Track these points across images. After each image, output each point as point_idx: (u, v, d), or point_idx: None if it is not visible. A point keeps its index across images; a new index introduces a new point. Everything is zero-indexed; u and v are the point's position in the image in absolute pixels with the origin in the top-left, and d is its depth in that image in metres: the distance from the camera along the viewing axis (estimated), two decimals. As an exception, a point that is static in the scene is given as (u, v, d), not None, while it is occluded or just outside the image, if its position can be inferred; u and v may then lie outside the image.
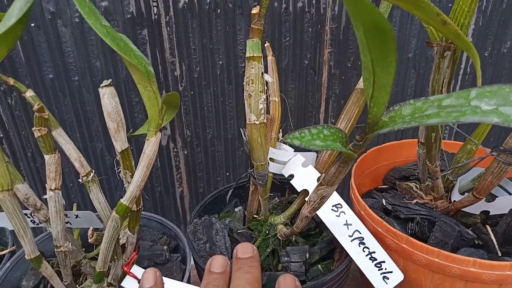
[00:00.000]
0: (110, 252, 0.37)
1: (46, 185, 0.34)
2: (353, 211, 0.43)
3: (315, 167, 0.46)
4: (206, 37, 0.59)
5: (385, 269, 0.40)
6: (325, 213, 0.43)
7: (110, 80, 0.33)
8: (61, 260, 0.38)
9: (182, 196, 0.72)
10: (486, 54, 0.66)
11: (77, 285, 0.44)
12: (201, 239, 0.46)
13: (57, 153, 0.34)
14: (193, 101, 0.64)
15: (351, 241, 0.41)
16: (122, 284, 0.41)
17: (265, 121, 0.40)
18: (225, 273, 0.32)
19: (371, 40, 0.21)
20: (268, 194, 0.47)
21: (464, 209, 0.45)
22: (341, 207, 0.43)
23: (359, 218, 0.43)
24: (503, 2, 0.62)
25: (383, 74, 0.23)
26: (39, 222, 0.39)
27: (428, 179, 0.49)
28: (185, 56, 0.60)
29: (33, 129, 0.32)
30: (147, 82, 0.33)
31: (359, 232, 0.41)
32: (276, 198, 0.53)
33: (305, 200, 0.44)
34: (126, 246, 0.41)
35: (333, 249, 0.46)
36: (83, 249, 0.43)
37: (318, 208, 0.38)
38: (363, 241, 0.41)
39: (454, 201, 0.46)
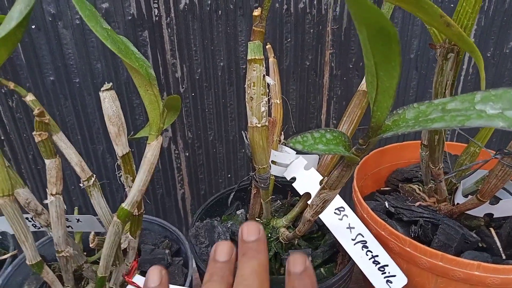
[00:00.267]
0: (111, 257, 0.37)
1: (47, 190, 0.34)
2: (356, 214, 0.43)
3: (317, 170, 0.46)
4: (207, 38, 0.59)
5: (389, 272, 0.40)
6: (327, 217, 0.42)
7: (111, 84, 0.33)
8: (62, 265, 0.38)
9: (184, 198, 0.72)
10: (489, 55, 0.66)
11: (79, 289, 0.44)
12: (203, 243, 0.46)
13: (57, 157, 0.33)
14: (194, 103, 0.63)
15: (354, 244, 0.41)
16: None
17: (267, 123, 0.40)
18: (230, 261, 0.30)
19: (374, 44, 0.21)
20: (270, 197, 0.47)
21: (467, 212, 0.45)
22: (344, 210, 0.42)
23: (361, 221, 0.42)
24: (506, 2, 0.62)
25: (386, 78, 0.23)
26: (40, 226, 0.38)
27: (431, 181, 0.48)
28: (186, 58, 0.60)
29: (33, 133, 0.31)
30: (148, 85, 0.33)
31: (362, 235, 0.41)
32: (278, 200, 0.52)
33: (307, 203, 0.44)
34: (127, 250, 0.41)
35: (336, 252, 0.46)
36: (85, 253, 0.43)
37: (320, 212, 0.38)
38: (366, 244, 0.41)
39: (458, 203, 0.46)
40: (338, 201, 0.43)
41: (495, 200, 0.44)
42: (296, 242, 0.46)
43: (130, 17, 0.55)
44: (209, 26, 0.58)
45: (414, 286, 0.42)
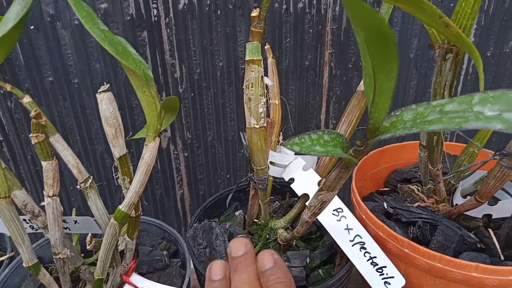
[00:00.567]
0: (108, 259, 0.37)
1: (44, 192, 0.34)
2: (354, 215, 0.43)
3: (315, 171, 0.45)
4: (206, 38, 0.59)
5: (387, 274, 0.39)
6: (325, 218, 0.42)
7: (108, 85, 0.33)
8: (59, 267, 0.38)
9: (183, 198, 0.72)
10: (489, 54, 0.66)
11: (76, 291, 0.44)
12: (201, 244, 0.46)
13: (54, 159, 0.33)
14: (193, 103, 0.63)
15: (352, 246, 0.41)
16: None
17: (265, 125, 0.40)
18: (225, 278, 0.32)
19: (372, 47, 0.21)
20: (269, 198, 0.47)
21: (466, 213, 0.45)
22: (342, 211, 0.42)
23: (360, 222, 0.42)
24: (506, 1, 0.61)
25: (384, 80, 0.23)
26: (38, 228, 0.38)
27: (430, 182, 0.48)
28: (185, 58, 0.60)
29: (30, 135, 0.31)
30: (145, 86, 0.33)
31: (360, 237, 0.41)
32: (277, 201, 0.52)
33: (305, 205, 0.44)
34: (125, 252, 0.40)
35: (334, 254, 0.45)
36: (82, 255, 0.43)
37: (318, 214, 0.38)
38: (364, 246, 0.40)
39: (456, 204, 0.46)
40: (336, 202, 0.43)
41: (494, 201, 0.44)
42: (294, 243, 0.46)
43: (129, 18, 0.55)
44: (208, 26, 0.58)
45: (412, 287, 0.42)
